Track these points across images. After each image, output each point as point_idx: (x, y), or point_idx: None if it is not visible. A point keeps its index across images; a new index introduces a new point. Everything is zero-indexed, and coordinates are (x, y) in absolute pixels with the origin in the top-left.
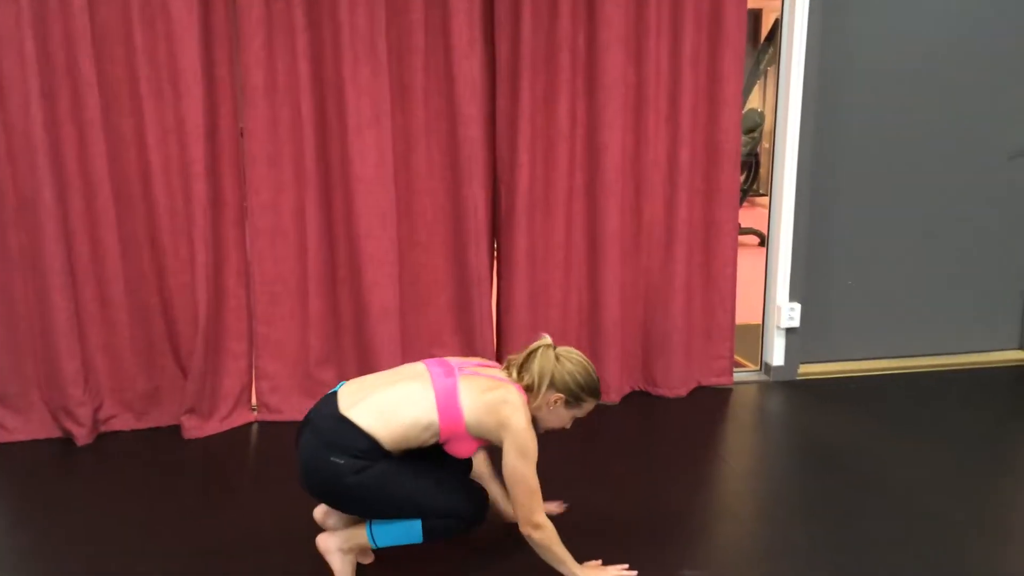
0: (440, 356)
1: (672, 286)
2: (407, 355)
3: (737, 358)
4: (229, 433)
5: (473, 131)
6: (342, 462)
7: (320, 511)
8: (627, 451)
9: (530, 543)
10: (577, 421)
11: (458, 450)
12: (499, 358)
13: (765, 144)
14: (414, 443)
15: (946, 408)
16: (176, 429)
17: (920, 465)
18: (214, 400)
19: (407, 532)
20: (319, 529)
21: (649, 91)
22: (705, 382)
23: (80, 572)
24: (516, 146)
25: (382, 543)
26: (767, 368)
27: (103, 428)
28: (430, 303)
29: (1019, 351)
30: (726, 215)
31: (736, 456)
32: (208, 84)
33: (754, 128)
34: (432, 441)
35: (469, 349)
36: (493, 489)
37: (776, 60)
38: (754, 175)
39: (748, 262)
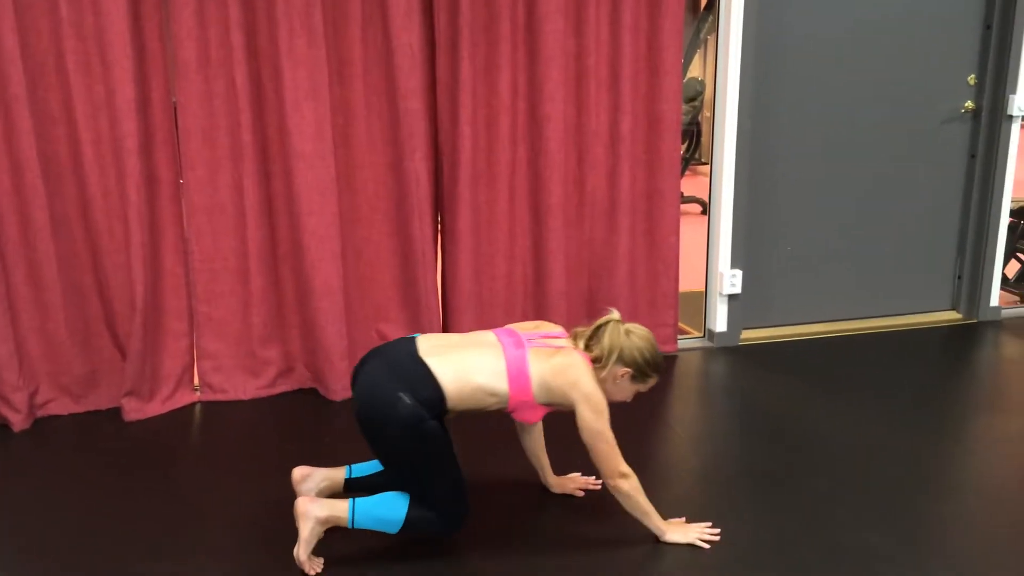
0: (386, 329)
1: (616, 255)
2: (352, 331)
3: (681, 325)
4: (171, 414)
5: (413, 104)
6: (408, 401)
7: (299, 472)
8: (572, 418)
9: (617, 495)
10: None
11: (526, 417)
12: (445, 331)
13: (706, 113)
14: (474, 406)
15: (882, 368)
16: (116, 412)
17: (858, 424)
18: (155, 381)
19: (387, 520)
20: (266, 509)
21: (590, 61)
22: None
23: (20, 561)
24: (457, 118)
25: (360, 524)
26: (710, 335)
27: (40, 413)
28: (374, 279)
29: (952, 311)
30: (668, 184)
31: (681, 422)
32: (138, 57)
33: (695, 97)
34: (495, 408)
35: (415, 324)
36: (542, 461)
37: (715, 29)
38: (696, 144)
39: (691, 230)
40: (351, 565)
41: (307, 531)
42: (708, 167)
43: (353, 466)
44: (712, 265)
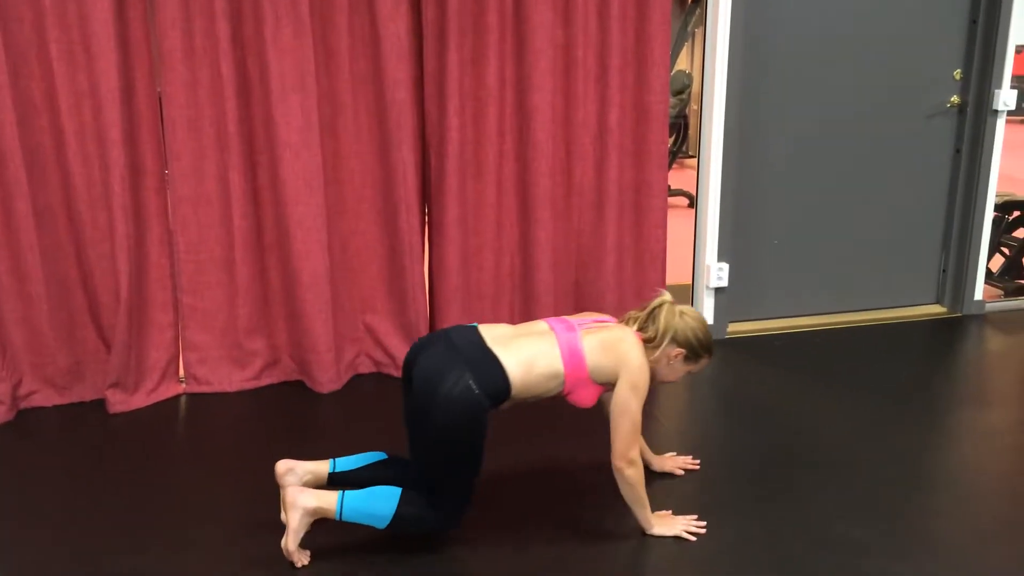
0: (372, 321)
1: (603, 247)
2: (339, 323)
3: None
4: (156, 406)
5: (401, 94)
6: (475, 387)
7: (283, 465)
8: (558, 411)
9: (619, 479)
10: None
11: (581, 398)
12: (432, 323)
13: (694, 106)
14: (535, 393)
15: (868, 362)
16: (101, 404)
17: (843, 417)
18: (140, 373)
19: (376, 515)
20: (252, 501)
21: (578, 52)
22: None
23: (6, 554)
24: (445, 109)
25: (348, 517)
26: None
27: (23, 404)
28: (361, 270)
29: (936, 305)
30: (655, 176)
31: (668, 415)
32: (122, 46)
33: (683, 90)
34: (554, 392)
35: (402, 316)
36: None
37: (704, 21)
38: (683, 137)
39: (678, 223)
40: (339, 558)
41: (296, 521)
42: (695, 160)
43: (337, 460)
44: (699, 258)
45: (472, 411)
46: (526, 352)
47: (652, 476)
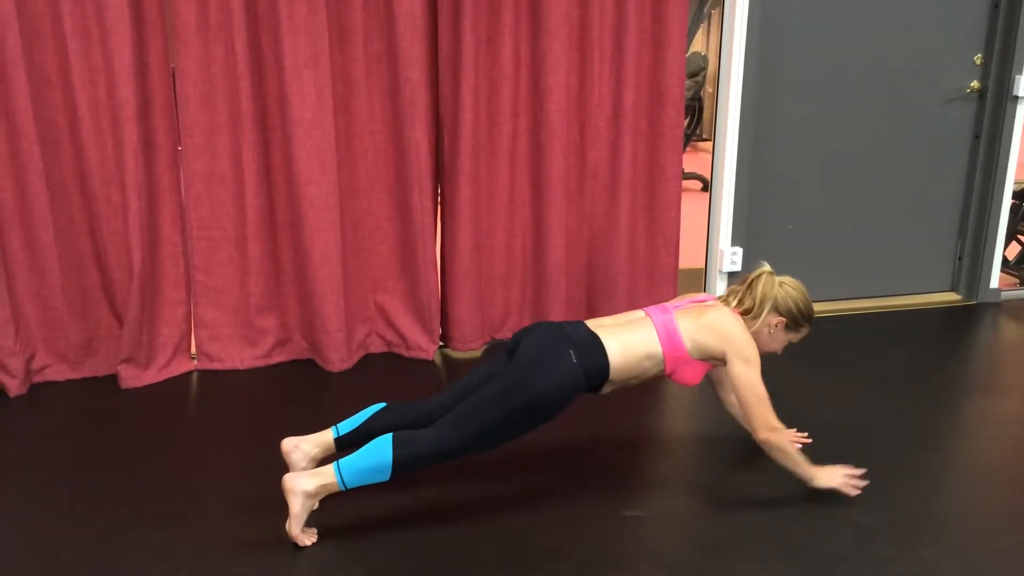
0: (384, 301)
1: (616, 230)
2: (350, 302)
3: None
4: (168, 382)
5: (415, 73)
6: (575, 362)
7: (288, 443)
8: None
9: (768, 449)
10: None
11: (685, 377)
12: (444, 304)
13: (709, 88)
14: (635, 375)
15: (881, 348)
16: (113, 379)
17: (854, 403)
18: (152, 349)
19: (376, 468)
20: (261, 478)
21: (593, 32)
22: None
23: (16, 526)
24: (459, 88)
25: (352, 483)
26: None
27: (37, 379)
28: (373, 249)
29: (952, 292)
30: (670, 159)
31: (678, 398)
32: (136, 21)
33: (698, 72)
34: (654, 373)
35: (413, 296)
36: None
37: (720, 3)
38: (698, 119)
39: (691, 207)
40: (346, 536)
41: (297, 506)
42: (710, 143)
43: (339, 425)
44: (712, 242)
45: (567, 384)
46: (625, 336)
47: (663, 458)
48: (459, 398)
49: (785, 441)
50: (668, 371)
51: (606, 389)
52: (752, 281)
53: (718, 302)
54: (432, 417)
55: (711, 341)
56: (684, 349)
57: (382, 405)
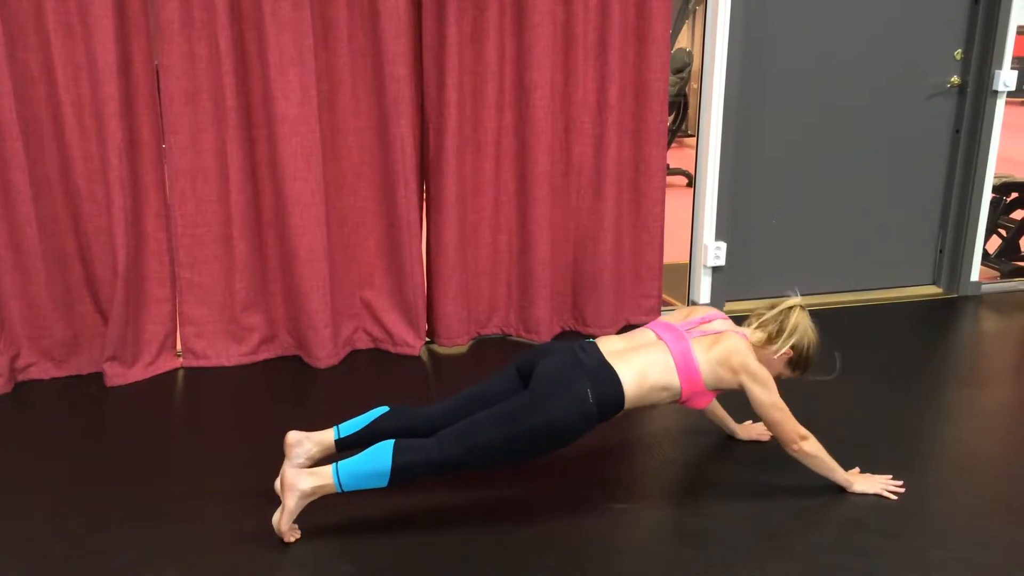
0: (370, 297)
1: (601, 226)
2: (336, 299)
3: (665, 296)
4: (154, 380)
5: (400, 69)
6: (591, 400)
7: (293, 436)
8: None
9: (801, 458)
10: None
11: (698, 404)
12: (430, 300)
13: (694, 84)
14: (647, 403)
15: (864, 341)
16: (98, 377)
17: (837, 395)
18: (137, 346)
19: (374, 474)
20: (249, 474)
21: (578, 28)
22: (634, 320)
23: (3, 523)
24: (444, 85)
25: (349, 486)
26: (694, 306)
27: (21, 377)
28: (359, 246)
29: (933, 286)
30: (654, 154)
31: None
32: (120, 18)
33: (683, 68)
34: (667, 402)
35: (399, 292)
36: (721, 414)
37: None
38: (683, 115)
39: (676, 203)
40: (331, 534)
41: (293, 503)
42: (694, 139)
43: (340, 426)
44: (697, 237)
45: (578, 419)
46: (639, 364)
47: (654, 449)
48: (463, 409)
49: (817, 447)
50: (683, 400)
51: (617, 415)
52: (785, 310)
53: (728, 324)
54: (435, 426)
55: (726, 375)
56: (701, 383)
57: (385, 409)
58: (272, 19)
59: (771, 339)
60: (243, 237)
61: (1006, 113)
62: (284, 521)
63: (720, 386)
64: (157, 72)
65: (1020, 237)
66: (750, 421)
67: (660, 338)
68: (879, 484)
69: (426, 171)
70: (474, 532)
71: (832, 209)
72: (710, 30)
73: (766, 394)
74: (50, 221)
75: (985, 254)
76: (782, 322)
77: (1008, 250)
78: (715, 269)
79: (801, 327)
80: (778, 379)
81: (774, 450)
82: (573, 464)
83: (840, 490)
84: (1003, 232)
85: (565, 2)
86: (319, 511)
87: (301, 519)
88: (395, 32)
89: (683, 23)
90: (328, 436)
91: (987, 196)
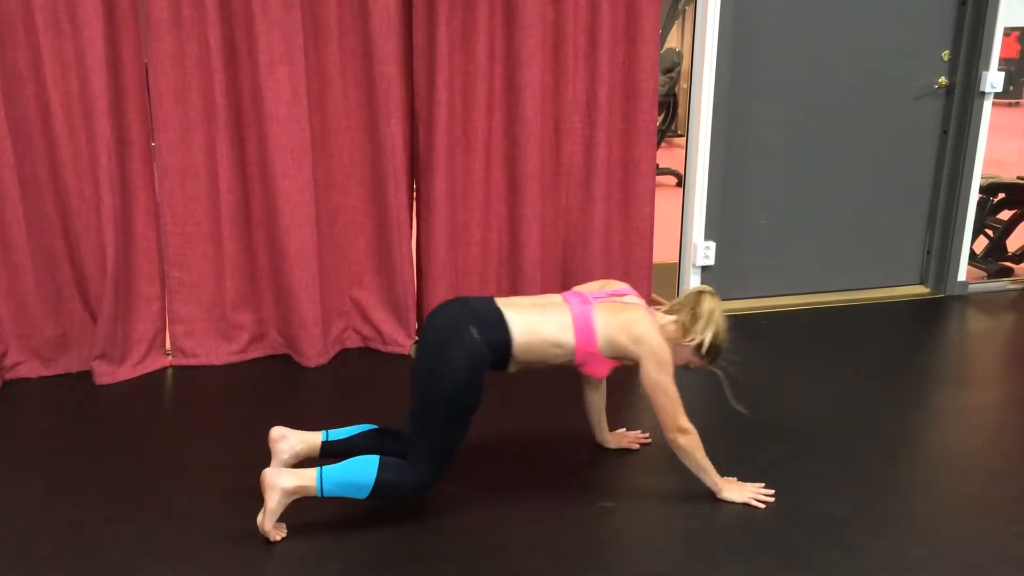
0: (359, 296)
1: (591, 225)
2: (326, 298)
3: (654, 296)
4: (143, 378)
5: (390, 68)
6: (476, 336)
7: (277, 432)
8: (544, 387)
9: (676, 450)
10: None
11: (594, 371)
12: (419, 299)
13: (683, 84)
14: (540, 358)
15: (851, 341)
16: (87, 375)
17: (825, 394)
18: (126, 345)
19: (356, 485)
20: (236, 474)
21: (567, 28)
22: None
23: None
24: (434, 84)
25: (329, 492)
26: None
27: (9, 375)
28: (349, 245)
29: (920, 286)
30: (644, 154)
31: None
32: (108, 16)
33: (672, 68)
34: (561, 361)
35: (389, 291)
36: (600, 417)
37: (694, 0)
38: (672, 115)
39: (666, 202)
40: (312, 534)
41: (274, 502)
42: (684, 139)
43: (330, 431)
44: (686, 236)
45: (474, 359)
46: (533, 316)
47: (643, 449)
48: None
49: (694, 445)
50: (577, 362)
51: (511, 368)
52: (695, 295)
53: (639, 301)
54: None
55: (624, 342)
56: (596, 345)
57: (373, 427)
58: (262, 18)
59: (684, 328)
60: (233, 236)
61: (993, 114)
62: (267, 521)
63: (616, 354)
64: (146, 70)
65: (1007, 237)
66: (623, 429)
67: (566, 301)
68: (748, 493)
69: (416, 170)
70: (460, 529)
71: (820, 209)
72: (699, 30)
73: (659, 373)
74: (39, 219)
75: (972, 254)
76: (694, 309)
77: (995, 250)
78: (704, 268)
79: (715, 314)
80: (687, 367)
81: (762, 450)
82: (562, 463)
83: (826, 489)
84: (990, 232)
85: (555, 2)
86: (306, 509)
87: (288, 516)
88: (385, 31)
89: (673, 23)
90: (316, 437)
91: (974, 196)
